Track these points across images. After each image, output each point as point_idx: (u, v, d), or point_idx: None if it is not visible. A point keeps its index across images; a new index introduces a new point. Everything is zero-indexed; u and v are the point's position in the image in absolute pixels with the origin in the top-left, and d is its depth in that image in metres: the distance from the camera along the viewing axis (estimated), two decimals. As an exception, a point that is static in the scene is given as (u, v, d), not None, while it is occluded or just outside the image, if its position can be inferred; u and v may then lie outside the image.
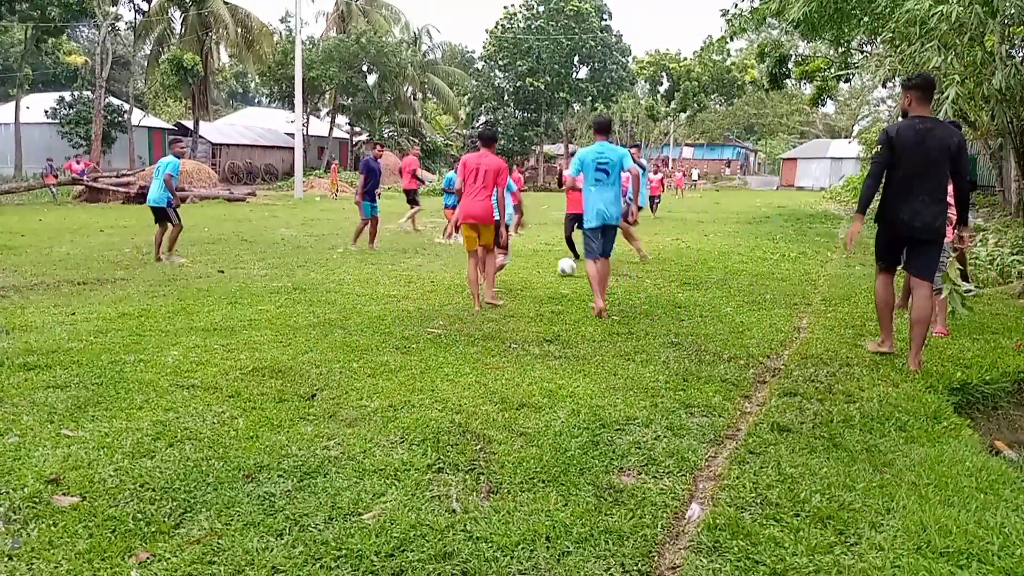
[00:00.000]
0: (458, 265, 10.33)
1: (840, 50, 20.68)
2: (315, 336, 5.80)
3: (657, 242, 13.89)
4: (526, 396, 4.23)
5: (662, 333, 6.03)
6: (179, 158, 11.00)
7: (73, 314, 6.47)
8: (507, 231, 7.85)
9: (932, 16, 11.12)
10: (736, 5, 18.14)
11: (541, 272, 9.74)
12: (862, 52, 20.71)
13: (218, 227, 16.07)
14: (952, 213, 5.28)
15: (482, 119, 55.74)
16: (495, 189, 7.27)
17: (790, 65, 23.63)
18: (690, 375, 4.72)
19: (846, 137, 57.49)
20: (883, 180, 5.07)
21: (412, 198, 15.63)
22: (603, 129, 7.00)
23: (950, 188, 5.03)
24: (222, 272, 9.41)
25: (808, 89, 30.65)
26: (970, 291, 6.06)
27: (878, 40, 16.15)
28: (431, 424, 3.77)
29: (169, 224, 10.74)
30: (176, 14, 37.12)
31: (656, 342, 5.72)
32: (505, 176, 7.41)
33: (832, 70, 22.89)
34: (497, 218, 7.37)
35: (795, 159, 59.42)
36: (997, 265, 9.59)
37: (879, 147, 5.17)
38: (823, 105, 29.58)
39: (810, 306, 7.53)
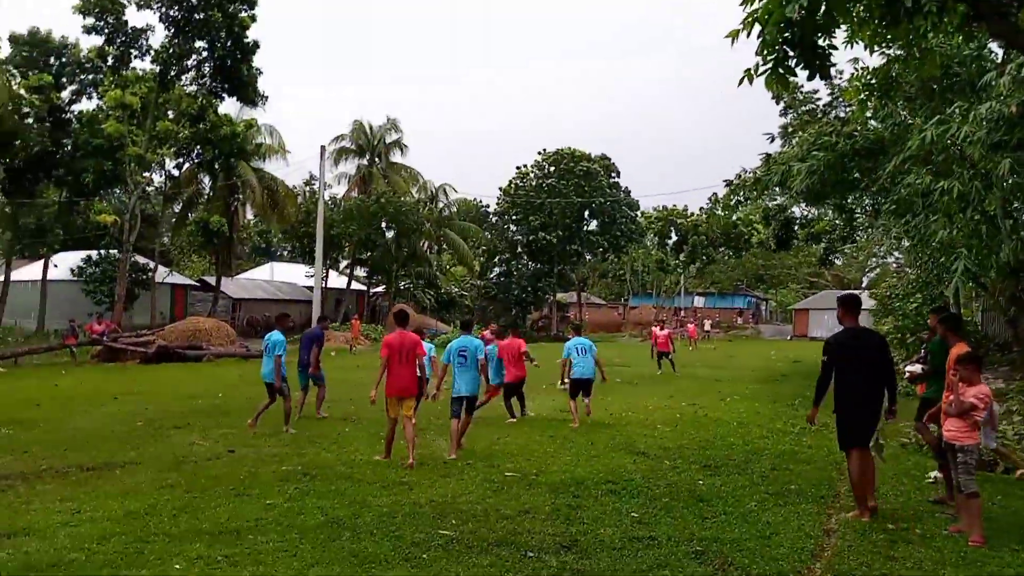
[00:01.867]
0: (471, 439, 10.14)
1: (844, 215, 21.25)
2: (322, 541, 5.58)
3: (674, 408, 13.69)
4: (544, 634, 3.97)
5: (685, 538, 5.75)
6: (284, 332, 11.58)
7: (78, 512, 6.31)
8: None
9: (935, 190, 11.44)
10: (739, 176, 18.89)
11: (556, 448, 9.51)
12: (865, 214, 21.29)
13: (232, 393, 16.05)
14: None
15: (496, 270, 57.09)
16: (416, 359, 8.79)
17: (795, 228, 24.26)
18: (718, 602, 4.45)
19: (855, 288, 58.10)
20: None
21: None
22: (467, 326, 10.77)
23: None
24: (232, 452, 9.26)
25: (815, 247, 31.38)
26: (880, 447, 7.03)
27: (882, 211, 16.63)
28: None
29: (280, 397, 11.15)
30: (206, 179, 39.10)
31: (679, 551, 5.45)
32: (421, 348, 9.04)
33: (837, 232, 23.43)
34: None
35: (807, 310, 59.81)
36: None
37: (824, 355, 6.75)
38: (831, 265, 30.17)
39: (838, 499, 7.24)
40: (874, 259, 63.48)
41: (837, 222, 22.01)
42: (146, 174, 32.63)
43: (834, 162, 15.65)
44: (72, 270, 35.34)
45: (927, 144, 11.03)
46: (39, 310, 33.34)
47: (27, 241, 34.26)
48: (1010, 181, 9.98)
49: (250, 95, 35.74)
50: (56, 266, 35.18)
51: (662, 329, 23.27)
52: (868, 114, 15.58)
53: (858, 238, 24.63)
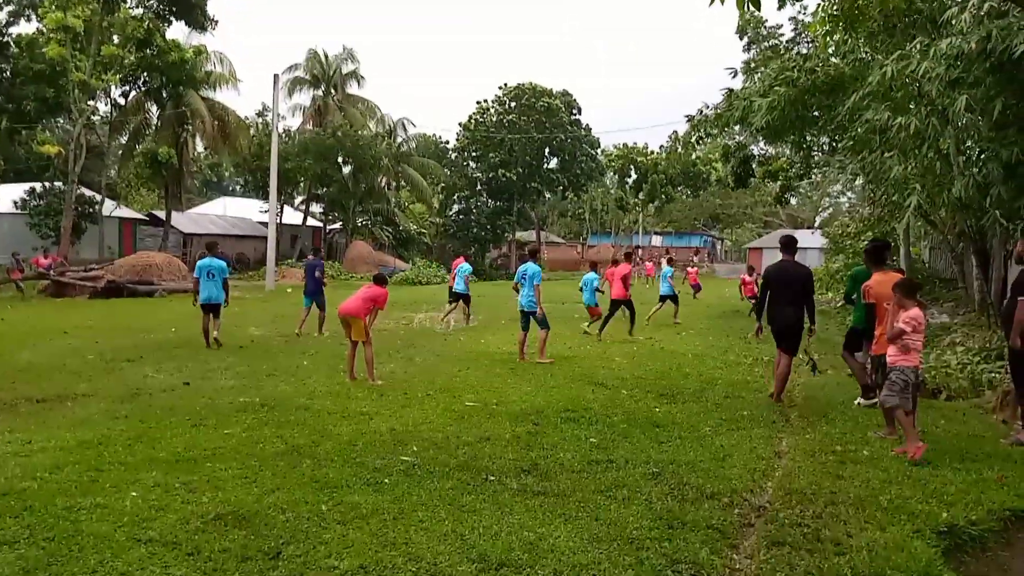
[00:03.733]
0: (432, 372, 10.18)
1: (801, 153, 21.42)
2: (282, 468, 5.57)
3: (631, 342, 13.90)
4: (505, 551, 4.04)
5: (642, 461, 5.89)
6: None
7: (29, 442, 6.17)
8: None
9: (892, 126, 11.53)
10: (701, 112, 18.81)
11: (515, 380, 9.61)
12: (822, 152, 21.50)
13: (187, 326, 15.76)
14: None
15: (455, 208, 56.58)
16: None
17: (754, 165, 24.38)
18: (675, 519, 4.57)
19: (809, 227, 59.09)
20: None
21: (457, 297, 17.36)
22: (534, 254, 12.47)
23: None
24: (187, 384, 9.14)
25: (771, 186, 31.66)
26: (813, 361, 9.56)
27: (839, 148, 16.77)
28: (405, 593, 3.56)
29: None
30: (153, 108, 37.59)
31: (637, 472, 5.58)
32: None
33: (794, 170, 23.65)
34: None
35: (761, 248, 60.83)
36: (968, 373, 9.66)
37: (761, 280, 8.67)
38: (787, 204, 30.55)
39: (788, 423, 7.47)
40: (827, 199, 64.56)
41: (795, 160, 22.20)
42: (91, 102, 31.15)
43: (795, 98, 15.64)
44: (15, 202, 33.93)
45: (887, 80, 11.05)
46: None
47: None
48: (965, 118, 10.09)
49: (198, 18, 34.18)
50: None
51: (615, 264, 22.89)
52: (831, 50, 15.55)
53: (814, 176, 24.88)
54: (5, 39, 29.77)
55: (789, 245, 8.70)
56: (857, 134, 13.61)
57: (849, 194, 56.24)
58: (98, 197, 34.87)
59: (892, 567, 3.90)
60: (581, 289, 15.95)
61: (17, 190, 34.80)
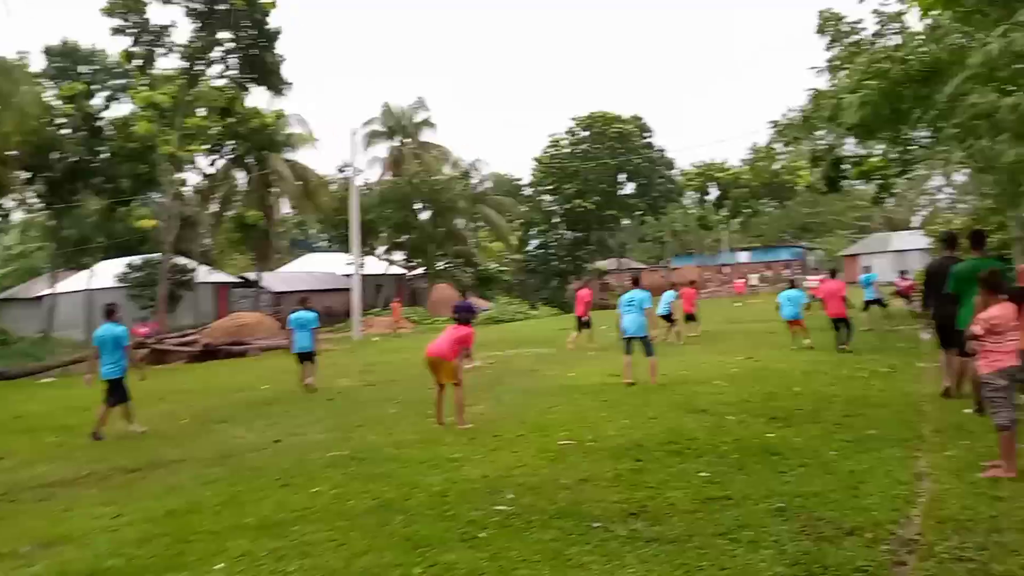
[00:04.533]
0: (522, 409, 9.75)
1: (898, 148, 20.20)
2: (372, 528, 5.21)
3: (729, 363, 13.10)
4: (620, 614, 3.53)
5: (763, 495, 5.25)
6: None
7: (119, 515, 6.05)
8: None
9: (1000, 108, 10.56)
10: (784, 116, 18.01)
11: (609, 412, 9.06)
12: (920, 146, 20.16)
13: (278, 382, 15.92)
14: None
15: (533, 243, 56.53)
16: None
17: (846, 167, 23.17)
18: (814, 563, 3.95)
19: (906, 229, 56.17)
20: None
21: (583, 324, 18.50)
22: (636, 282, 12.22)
23: None
24: (278, 442, 9.00)
25: (864, 186, 30.08)
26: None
27: (941, 137, 15.64)
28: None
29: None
30: (239, 174, 39.22)
31: (759, 509, 4.96)
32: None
33: (892, 168, 22.31)
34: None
35: (856, 255, 58.06)
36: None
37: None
38: (884, 203, 28.82)
39: (923, 441, 6.65)
40: (924, 197, 61.28)
41: (892, 155, 20.90)
42: (180, 174, 32.71)
43: (888, 90, 14.72)
44: (115, 276, 35.80)
45: (992, 58, 10.15)
46: (85, 319, 33.89)
47: (70, 251, 34.78)
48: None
49: (276, 83, 35.58)
50: (98, 274, 35.72)
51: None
52: (922, 37, 14.62)
53: (913, 172, 23.40)
54: (100, 123, 31.66)
55: (951, 241, 8.97)
56: (962, 120, 12.59)
57: (948, 189, 53.23)
58: (192, 264, 36.40)
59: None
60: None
61: (119, 265, 36.72)
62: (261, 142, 35.04)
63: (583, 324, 18.58)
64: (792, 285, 18.16)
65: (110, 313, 11.21)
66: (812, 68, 18.83)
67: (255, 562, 4.70)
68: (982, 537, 4.16)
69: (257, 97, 38.71)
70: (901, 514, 4.70)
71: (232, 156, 37.03)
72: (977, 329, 5.43)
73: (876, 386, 9.77)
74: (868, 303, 19.40)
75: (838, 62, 18.68)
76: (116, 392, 10.63)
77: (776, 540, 4.36)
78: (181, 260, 36.41)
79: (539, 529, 4.93)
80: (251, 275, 43.85)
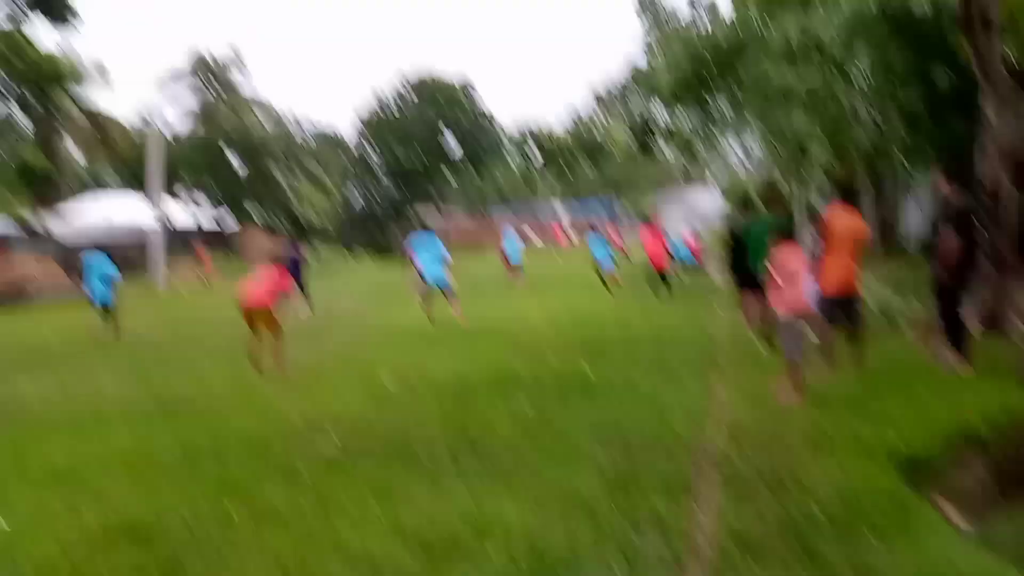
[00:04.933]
0: (345, 355, 9.53)
1: (704, 114, 21.66)
2: (182, 475, 4.87)
3: (549, 309, 13.56)
4: (450, 534, 3.55)
5: (583, 423, 5.51)
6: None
7: None
8: None
9: (793, 83, 11.57)
10: (604, 88, 18.76)
11: (435, 353, 9.09)
12: (724, 117, 21.80)
13: (68, 333, 14.43)
14: None
15: (355, 192, 55.12)
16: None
17: (656, 133, 24.66)
18: (627, 477, 4.20)
19: (702, 183, 60.77)
20: None
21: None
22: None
23: None
24: (70, 393, 8.14)
25: (672, 153, 32.16)
26: None
27: (743, 106, 16.98)
28: (338, 597, 3.03)
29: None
30: (14, 109, 34.56)
31: (579, 436, 5.19)
32: None
33: (696, 134, 23.90)
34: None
35: (659, 210, 62.08)
36: (882, 306, 9.82)
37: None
38: (689, 169, 31.11)
39: (721, 372, 7.27)
40: (723, 164, 66.38)
41: (696, 123, 22.41)
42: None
43: (697, 56, 15.76)
44: None
45: (787, 37, 11.10)
46: None
47: None
48: (868, 76, 10.20)
49: (60, 10, 31.40)
50: None
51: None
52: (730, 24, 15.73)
53: (716, 139, 25.28)
54: None
55: (745, 204, 10.65)
56: (760, 93, 13.74)
57: (744, 157, 58.07)
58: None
59: (865, 504, 3.66)
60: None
61: None
62: (41, 77, 30.92)
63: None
64: (593, 229, 19.62)
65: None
66: (633, 51, 19.96)
67: (45, 512, 4.25)
68: (773, 450, 4.62)
69: (41, 28, 33.85)
70: (704, 434, 5.12)
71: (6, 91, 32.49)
72: (774, 273, 5.98)
73: (681, 328, 10.54)
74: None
75: (655, 44, 19.70)
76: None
77: (594, 460, 4.60)
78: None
79: (366, 468, 4.84)
80: (34, 221, 39.07)
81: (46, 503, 4.38)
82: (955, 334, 6.73)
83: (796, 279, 5.97)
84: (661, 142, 25.85)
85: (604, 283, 16.68)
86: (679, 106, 20.11)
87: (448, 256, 12.16)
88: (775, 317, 6.22)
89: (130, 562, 3.50)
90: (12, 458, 5.43)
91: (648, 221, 17.65)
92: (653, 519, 3.60)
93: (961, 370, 6.45)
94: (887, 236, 15.15)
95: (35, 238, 37.12)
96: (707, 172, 66.41)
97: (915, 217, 15.89)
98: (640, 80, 17.46)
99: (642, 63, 20.61)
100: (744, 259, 9.25)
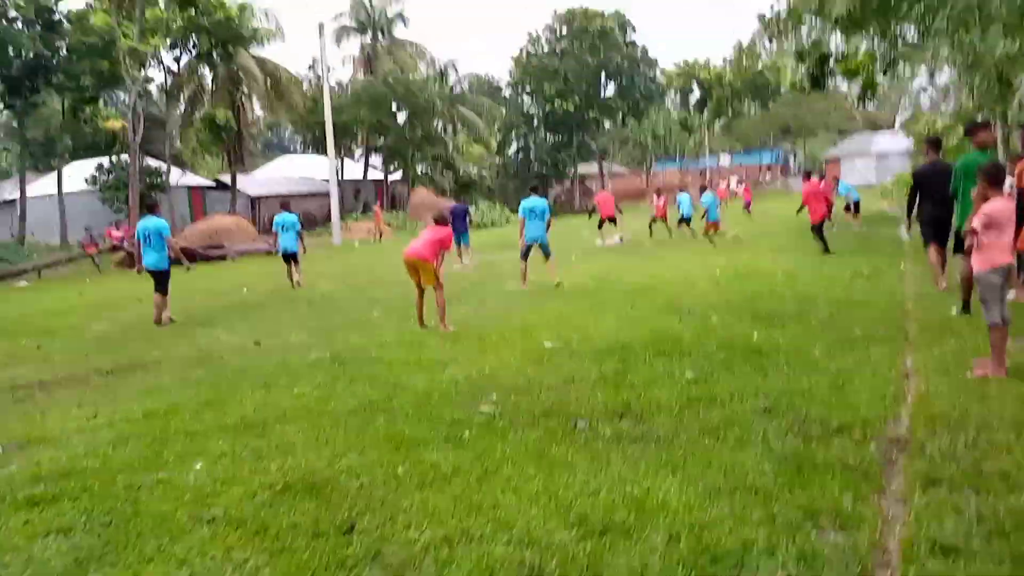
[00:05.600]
0: (506, 313, 9.67)
1: (885, 43, 19.62)
2: (355, 428, 5.14)
3: (712, 266, 13.04)
4: (608, 512, 3.48)
5: (750, 393, 5.22)
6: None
7: (95, 416, 5.93)
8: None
9: (990, 0, 10.18)
10: (772, 7, 17.32)
11: (595, 315, 9.00)
12: (905, 43, 19.59)
13: (258, 287, 15.72)
14: None
15: (513, 145, 55.42)
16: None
17: (831, 64, 22.55)
18: (803, 460, 3.91)
19: (888, 129, 55.60)
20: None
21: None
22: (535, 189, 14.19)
23: None
24: (258, 344, 8.88)
25: (848, 87, 29.41)
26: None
27: (931, 31, 15.15)
28: (496, 571, 3.05)
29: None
30: (206, 72, 37.60)
31: (746, 407, 4.93)
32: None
33: (878, 65, 21.73)
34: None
35: (838, 158, 57.68)
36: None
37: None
38: (870, 102, 28.34)
39: (908, 340, 6.63)
40: (907, 99, 60.36)
41: (877, 54, 20.32)
42: (143, 71, 31.23)
43: None
44: (86, 179, 34.73)
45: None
46: (60, 224, 33.10)
47: (37, 153, 33.51)
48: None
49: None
50: (70, 176, 34.64)
51: (659, 197, 22.06)
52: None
53: (899, 69, 22.86)
54: (56, 16, 29.87)
55: (936, 145, 9.51)
56: (952, 12, 12.16)
57: (930, 90, 52.38)
58: (164, 167, 35.36)
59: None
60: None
61: (88, 167, 35.57)
62: (226, 36, 33.37)
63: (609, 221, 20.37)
64: (703, 189, 21.06)
65: (151, 207, 12.17)
66: None
67: (235, 461, 4.62)
68: (972, 435, 4.13)
69: None
70: (890, 413, 4.68)
71: (196, 53, 35.37)
72: (976, 223, 5.30)
73: (860, 287, 9.75)
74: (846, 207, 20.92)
75: None
76: (163, 282, 11.16)
77: (763, 438, 4.33)
78: (152, 162, 35.30)
79: (524, 429, 4.87)
80: (226, 178, 42.80)
81: (238, 453, 4.77)
82: None
83: (1004, 230, 5.26)
84: (839, 77, 23.73)
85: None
86: (856, 32, 18.27)
87: (549, 217, 12.41)
88: (973, 274, 5.55)
89: (306, 515, 3.71)
90: (213, 407, 5.96)
91: (809, 174, 16.37)
92: (833, 513, 3.31)
93: None
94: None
95: (226, 193, 40.66)
96: (890, 112, 60.85)
97: None
98: (810, 2, 15.91)
99: None
100: (932, 207, 8.65)
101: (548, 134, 53.41)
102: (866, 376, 5.47)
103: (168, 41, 30.90)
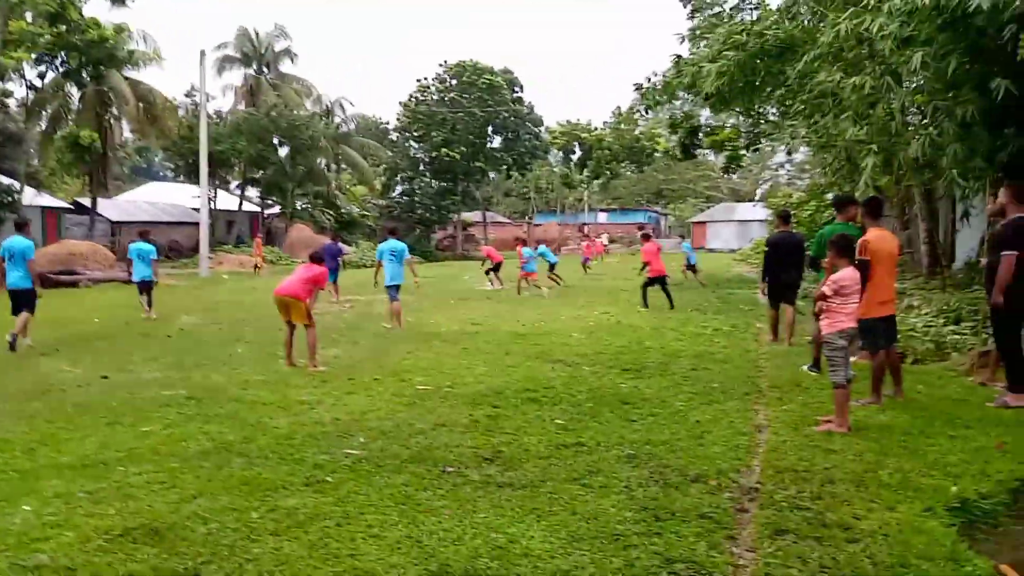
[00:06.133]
0: (379, 354, 9.48)
1: (749, 120, 21.21)
2: (207, 470, 4.83)
3: (586, 317, 13.40)
4: (470, 559, 3.41)
5: (615, 442, 5.34)
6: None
7: (-96, 452, 5.27)
8: None
9: (844, 88, 11.20)
10: (649, 80, 18.36)
11: (468, 360, 8.99)
12: (767, 121, 21.29)
13: (111, 316, 14.68)
14: None
15: (398, 188, 55.25)
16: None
17: (701, 136, 24.13)
18: (661, 509, 4.01)
19: (750, 201, 59.73)
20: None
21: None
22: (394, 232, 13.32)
23: None
24: (106, 378, 8.23)
25: (715, 158, 31.61)
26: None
27: (790, 112, 16.50)
28: (352, 621, 2.91)
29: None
30: (73, 91, 35.43)
31: (610, 456, 5.02)
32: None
33: (742, 140, 23.44)
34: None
35: (705, 222, 61.34)
36: (932, 336, 9.41)
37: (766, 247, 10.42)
38: (734, 172, 30.47)
39: (762, 395, 7.02)
40: (767, 172, 65.29)
41: (741, 130, 21.97)
42: (3, 84, 29.03)
43: (744, 62, 15.29)
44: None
45: (839, 39, 10.70)
46: None
47: None
48: (919, 77, 9.78)
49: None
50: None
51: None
52: (774, 16, 15.22)
53: (762, 144, 24.75)
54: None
55: (786, 217, 10.54)
56: (808, 97, 13.30)
57: (787, 167, 56.95)
58: (17, 185, 32.68)
59: (914, 553, 3.42)
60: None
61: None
62: (98, 56, 31.70)
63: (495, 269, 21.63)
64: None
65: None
66: (675, 34, 19.26)
67: (69, 503, 4.23)
68: (817, 487, 4.38)
69: (96, 6, 34.88)
70: (743, 463, 4.90)
71: (65, 70, 33.33)
72: (826, 289, 5.73)
73: (719, 343, 10.27)
74: (689, 267, 22.34)
75: (699, 31, 19.22)
76: (29, 301, 10.77)
77: (626, 486, 4.42)
78: (4, 180, 32.55)
79: (390, 474, 4.75)
80: (86, 201, 40.05)
81: (72, 494, 4.36)
82: (1013, 366, 6.39)
83: (849, 297, 5.71)
84: (704, 146, 25.42)
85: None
86: (724, 109, 19.65)
87: (409, 259, 12.65)
88: (821, 335, 5.98)
89: (144, 564, 3.42)
90: (48, 445, 5.44)
91: (648, 236, 17.21)
92: (689, 560, 3.40)
93: (1020, 405, 6.11)
94: (939, 258, 14.59)
95: (84, 217, 38.06)
96: (752, 184, 65.60)
97: (970, 238, 15.31)
98: (685, 75, 16.96)
99: (686, 52, 20.09)
100: (780, 271, 9.59)
101: (433, 180, 53.67)
102: (722, 428, 5.73)
103: (33, 56, 28.92)
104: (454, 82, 51.40)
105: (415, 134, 52.41)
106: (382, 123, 60.54)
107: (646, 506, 4.07)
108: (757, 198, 53.54)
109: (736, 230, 57.20)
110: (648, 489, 4.35)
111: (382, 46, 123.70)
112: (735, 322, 12.50)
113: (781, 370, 8.18)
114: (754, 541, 3.65)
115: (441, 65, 52.38)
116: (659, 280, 14.92)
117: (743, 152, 23.86)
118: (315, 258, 9.24)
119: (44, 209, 37.80)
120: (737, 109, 19.14)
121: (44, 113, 35.53)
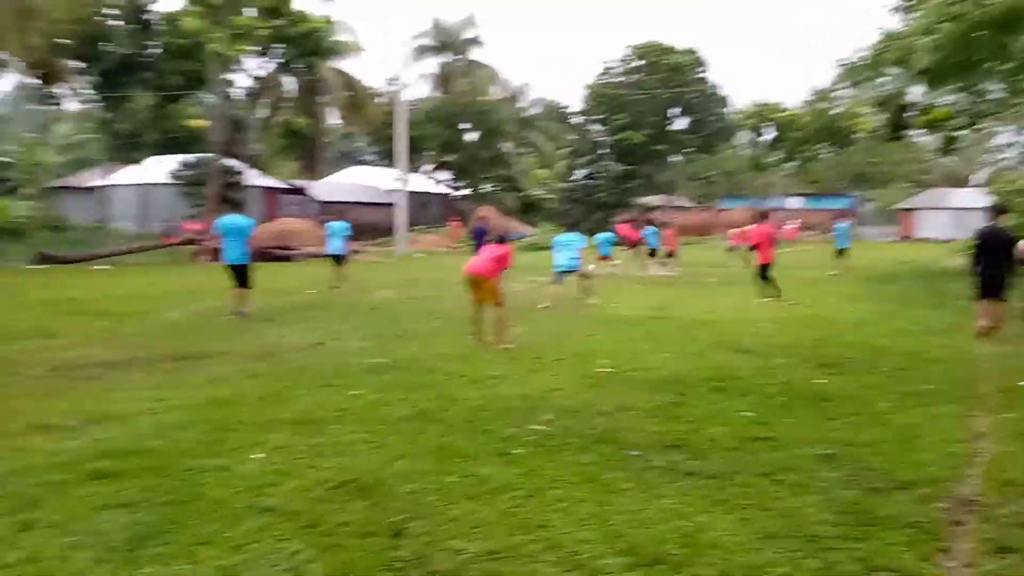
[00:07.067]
0: (563, 336, 9.65)
1: (969, 98, 19.06)
2: (409, 434, 5.20)
3: (776, 307, 12.77)
4: (658, 543, 3.43)
5: (811, 439, 5.09)
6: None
7: (162, 400, 6.14)
8: None
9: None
10: (853, 55, 17.02)
11: (652, 345, 8.91)
12: (992, 100, 18.96)
13: (321, 288, 16.08)
14: None
15: (580, 172, 55.51)
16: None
17: (911, 113, 22.03)
18: (863, 513, 3.79)
19: (967, 186, 53.85)
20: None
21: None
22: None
23: None
24: (320, 345, 9.07)
25: (927, 138, 28.69)
26: None
27: (1017, 87, 14.68)
28: (544, 590, 3.04)
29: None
30: (288, 80, 38.88)
31: (806, 453, 4.80)
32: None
33: (961, 119, 21.09)
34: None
35: (913, 209, 55.96)
36: None
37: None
38: (952, 155, 27.52)
39: (982, 401, 6.37)
40: (987, 155, 58.34)
41: (960, 108, 19.74)
42: (229, 74, 32.52)
43: (963, 36, 13.76)
44: (168, 173, 36.12)
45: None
46: (138, 211, 34.47)
47: (123, 144, 35.04)
48: None
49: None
50: (152, 169, 36.10)
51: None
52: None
53: (984, 125, 22.14)
54: (150, 16, 31.36)
55: (999, 211, 9.22)
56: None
57: (1017, 147, 50.55)
58: (241, 167, 36.54)
59: None
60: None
61: (171, 162, 37.01)
62: (309, 47, 34.55)
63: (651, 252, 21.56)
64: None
65: (237, 205, 15.58)
66: (884, 6, 17.59)
67: (292, 455, 4.73)
68: (1041, 503, 3.95)
69: (306, 1, 38.20)
70: (958, 473, 4.50)
71: (281, 61, 36.65)
72: None
73: (933, 342, 9.40)
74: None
75: (913, 1, 17.47)
76: (244, 276, 11.61)
77: (824, 486, 4.21)
78: (231, 162, 36.53)
79: (575, 452, 4.86)
80: (299, 183, 43.99)
81: (295, 445, 4.87)
82: None
83: None
84: (916, 126, 23.11)
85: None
86: (941, 85, 17.75)
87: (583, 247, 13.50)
88: None
89: (357, 513, 3.76)
90: (273, 401, 6.11)
91: (765, 216, 15.84)
92: (895, 568, 3.20)
93: None
94: None
95: (298, 197, 41.76)
96: (970, 167, 58.93)
97: None
98: (894, 50, 15.53)
99: (896, 25, 18.32)
100: (987, 267, 8.47)
101: (615, 163, 53.35)
102: (934, 433, 5.28)
103: (255, 48, 32.13)
104: (639, 63, 50.63)
105: (598, 117, 52.32)
106: (564, 107, 60.94)
107: (846, 509, 3.86)
108: (976, 183, 48.18)
109: (951, 218, 51.66)
110: (848, 491, 4.12)
111: (568, 28, 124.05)
112: (950, 319, 11.38)
113: (1004, 376, 7.36)
114: (972, 556, 3.35)
115: (626, 47, 51.72)
116: (763, 268, 13.85)
117: (963, 131, 21.46)
118: (502, 238, 9.55)
119: (264, 189, 41.94)
120: (954, 85, 17.27)
121: (263, 100, 39.39)
